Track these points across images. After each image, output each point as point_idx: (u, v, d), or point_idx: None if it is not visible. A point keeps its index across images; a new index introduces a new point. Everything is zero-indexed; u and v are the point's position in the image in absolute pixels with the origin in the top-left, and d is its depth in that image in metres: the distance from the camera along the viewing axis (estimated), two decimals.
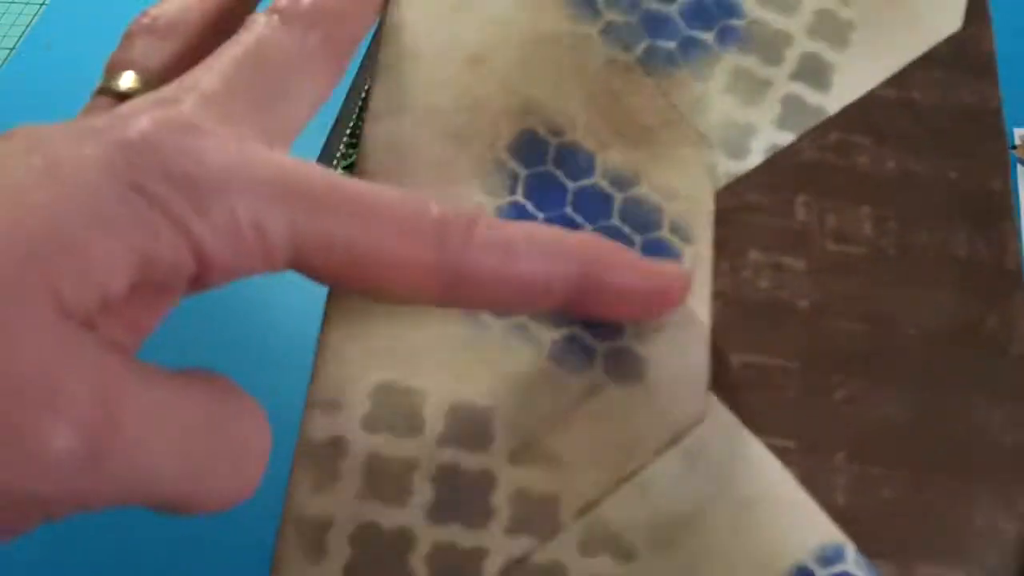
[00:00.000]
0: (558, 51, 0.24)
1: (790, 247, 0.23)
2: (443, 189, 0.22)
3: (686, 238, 0.22)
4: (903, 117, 0.24)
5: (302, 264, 0.17)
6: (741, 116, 0.24)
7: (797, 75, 0.24)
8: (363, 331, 0.21)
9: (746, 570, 0.19)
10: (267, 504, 0.21)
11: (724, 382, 0.21)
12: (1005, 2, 0.39)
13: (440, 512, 0.20)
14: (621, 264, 0.20)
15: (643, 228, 0.22)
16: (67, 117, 0.51)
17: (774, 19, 0.25)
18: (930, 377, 0.21)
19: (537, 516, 0.20)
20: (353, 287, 0.18)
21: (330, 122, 0.43)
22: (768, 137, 0.24)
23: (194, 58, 0.20)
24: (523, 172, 0.23)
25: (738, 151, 0.23)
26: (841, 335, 0.22)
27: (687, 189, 0.23)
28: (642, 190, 0.23)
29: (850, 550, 0.20)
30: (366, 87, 0.42)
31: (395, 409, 0.20)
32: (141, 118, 0.16)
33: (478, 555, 0.19)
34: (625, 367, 0.21)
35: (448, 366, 0.21)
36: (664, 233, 0.22)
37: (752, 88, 0.24)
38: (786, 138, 0.24)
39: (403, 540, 0.19)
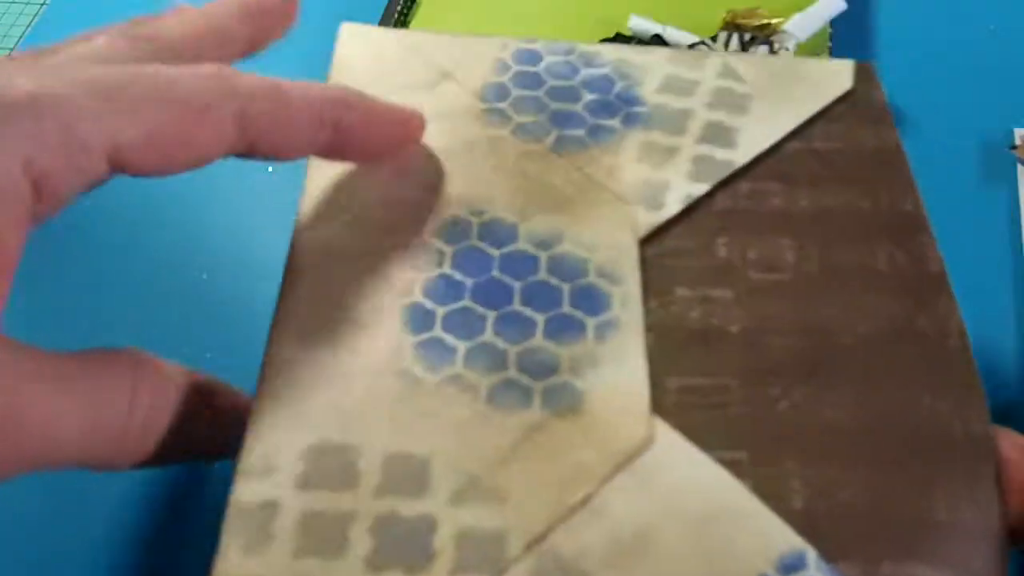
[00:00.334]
0: (475, 153, 0.25)
1: (716, 281, 0.23)
2: (370, 275, 0.23)
3: (613, 280, 0.23)
4: (810, 162, 0.25)
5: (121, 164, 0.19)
6: (654, 176, 0.25)
7: (703, 139, 0.26)
8: (292, 396, 0.21)
9: None
10: None
11: (665, 405, 0.21)
12: (1006, 2, 0.41)
13: (379, 560, 0.19)
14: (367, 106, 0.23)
15: (570, 278, 0.23)
16: None
17: (674, 101, 0.27)
18: (872, 378, 0.21)
19: (484, 553, 0.19)
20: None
21: None
22: (683, 189, 0.24)
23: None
24: (449, 249, 0.23)
25: (655, 204, 0.24)
26: (777, 350, 0.22)
27: (610, 241, 0.23)
28: (566, 247, 0.23)
29: (811, 556, 0.19)
30: None
31: (330, 466, 0.20)
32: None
33: None
34: (564, 402, 0.21)
35: (383, 421, 0.20)
36: (591, 279, 0.23)
37: (661, 155, 0.25)
38: (700, 188, 0.25)
39: None
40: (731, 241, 0.24)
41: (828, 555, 0.19)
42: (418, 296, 0.22)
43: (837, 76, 0.27)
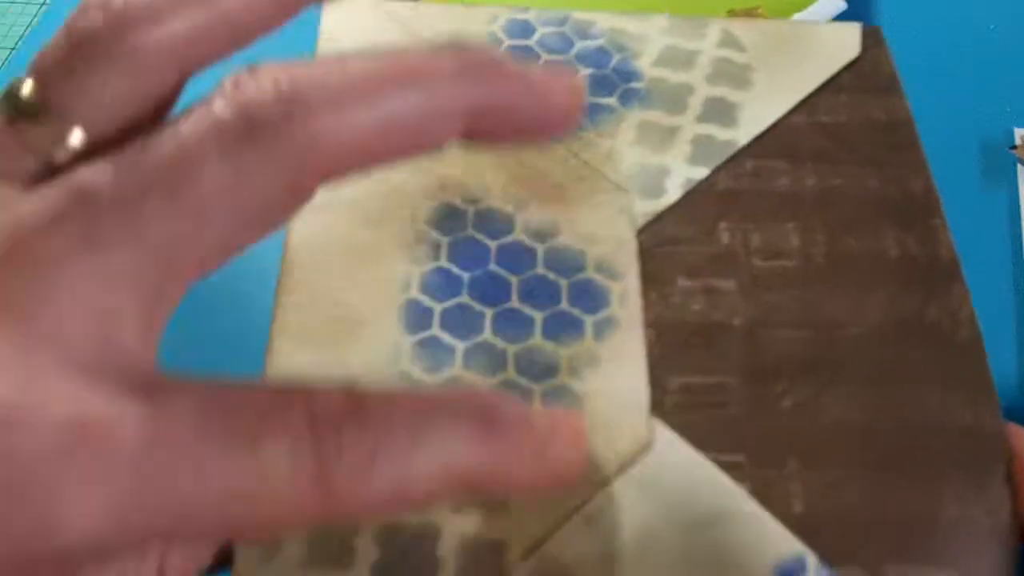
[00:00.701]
0: None
1: (718, 270, 0.22)
2: (366, 269, 0.22)
3: (612, 275, 0.22)
4: (816, 137, 0.24)
5: None
6: (653, 160, 0.24)
7: (703, 118, 0.25)
8: None
9: None
10: None
11: (665, 406, 0.21)
12: (1006, 2, 0.40)
13: (386, 570, 0.19)
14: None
15: (568, 272, 0.22)
16: None
17: (672, 75, 0.26)
18: (879, 374, 0.21)
19: (484, 563, 0.19)
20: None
21: None
22: (682, 174, 0.24)
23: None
24: (444, 239, 0.23)
25: (653, 191, 0.24)
26: (781, 344, 0.21)
27: (607, 232, 0.23)
28: (563, 239, 0.23)
29: (811, 560, 0.19)
30: None
31: None
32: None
33: None
34: (563, 405, 0.21)
35: None
36: (589, 273, 0.22)
37: (660, 136, 0.25)
38: (701, 172, 0.24)
39: None
40: (733, 226, 0.23)
41: (829, 559, 0.19)
42: (415, 292, 0.22)
43: (844, 42, 0.26)
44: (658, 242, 0.23)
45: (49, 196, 0.15)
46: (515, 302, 0.22)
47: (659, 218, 0.23)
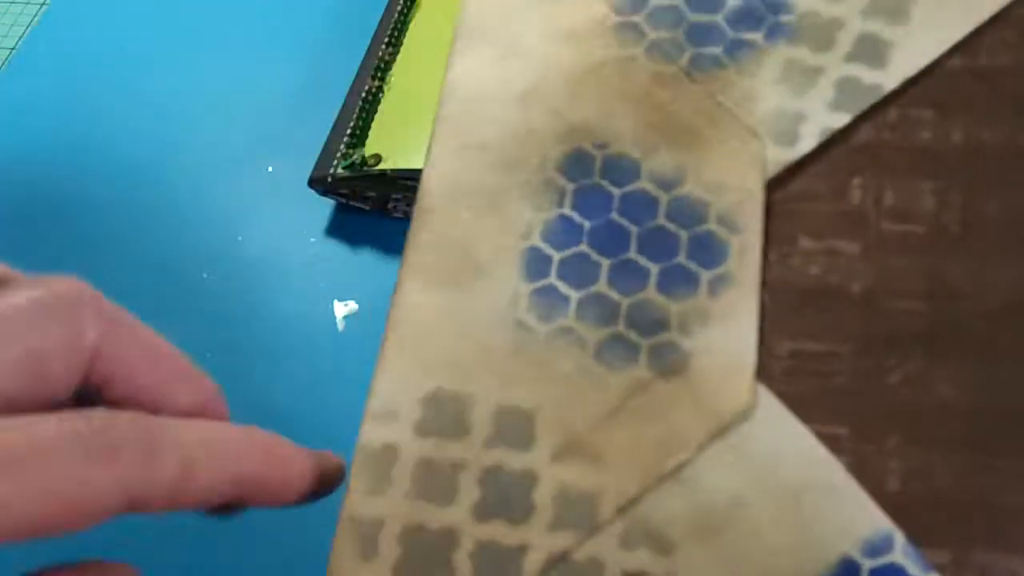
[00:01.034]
0: (603, 76, 0.25)
1: (844, 231, 0.22)
2: (493, 213, 0.23)
3: (733, 229, 0.22)
4: (971, 85, 0.23)
5: None
6: (791, 104, 0.23)
7: (852, 57, 0.24)
8: (416, 344, 0.22)
9: (789, 562, 0.19)
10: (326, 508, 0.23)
11: (772, 371, 0.21)
12: None
13: (484, 510, 0.20)
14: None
15: (689, 224, 0.22)
16: (67, 118, 0.47)
17: (825, 8, 0.24)
18: (992, 354, 0.20)
19: (578, 513, 0.20)
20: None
21: (330, 122, 0.42)
22: (821, 121, 0.23)
23: None
24: (570, 186, 0.23)
25: (789, 139, 0.23)
26: (897, 316, 0.21)
27: (736, 182, 0.23)
28: (688, 188, 0.23)
29: (899, 539, 0.19)
30: (366, 87, 0.42)
31: (444, 415, 0.21)
32: None
33: (520, 551, 0.20)
34: (670, 362, 0.21)
35: (496, 371, 0.22)
36: (711, 225, 0.22)
37: (803, 76, 0.24)
38: (841, 119, 0.23)
39: (448, 539, 0.20)
40: (866, 183, 0.22)
41: (917, 539, 0.19)
42: (536, 239, 0.23)
43: None
44: (785, 196, 0.22)
45: None
46: (633, 253, 0.22)
47: (790, 169, 0.23)
